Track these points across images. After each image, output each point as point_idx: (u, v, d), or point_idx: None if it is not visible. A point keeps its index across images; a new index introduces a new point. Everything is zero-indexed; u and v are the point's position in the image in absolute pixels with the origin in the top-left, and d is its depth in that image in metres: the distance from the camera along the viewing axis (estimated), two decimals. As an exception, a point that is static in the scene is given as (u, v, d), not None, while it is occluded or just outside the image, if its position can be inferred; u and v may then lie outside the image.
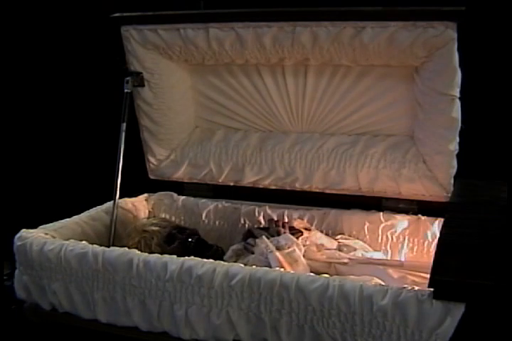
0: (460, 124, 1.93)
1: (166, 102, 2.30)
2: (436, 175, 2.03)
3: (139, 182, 2.48)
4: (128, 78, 2.21)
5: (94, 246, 1.82)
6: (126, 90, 2.21)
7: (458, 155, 1.99)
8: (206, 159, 2.36)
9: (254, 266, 1.68)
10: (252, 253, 1.93)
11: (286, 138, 2.29)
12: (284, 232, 2.01)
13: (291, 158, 2.25)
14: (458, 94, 1.89)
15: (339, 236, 2.17)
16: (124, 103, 2.20)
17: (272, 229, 2.05)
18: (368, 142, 2.18)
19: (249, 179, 2.31)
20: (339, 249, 2.06)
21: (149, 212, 2.46)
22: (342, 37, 1.92)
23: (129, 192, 2.41)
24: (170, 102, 2.31)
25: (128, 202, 2.38)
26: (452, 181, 2.01)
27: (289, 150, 2.26)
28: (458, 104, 1.90)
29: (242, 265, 1.68)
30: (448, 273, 1.42)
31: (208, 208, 2.40)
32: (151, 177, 2.47)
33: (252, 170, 2.30)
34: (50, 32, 2.84)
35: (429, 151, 2.04)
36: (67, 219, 2.11)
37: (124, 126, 2.19)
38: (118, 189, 2.17)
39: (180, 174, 2.42)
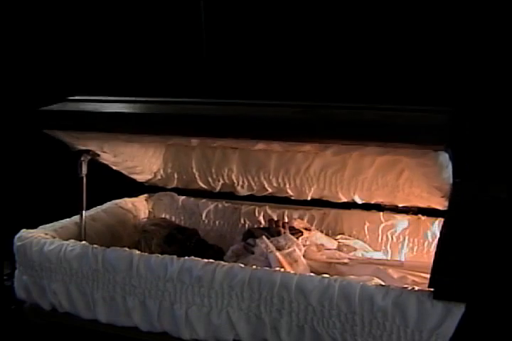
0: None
1: (128, 155, 2.19)
2: (431, 197, 1.98)
3: (139, 182, 2.47)
4: (81, 160, 2.00)
5: (94, 246, 1.82)
6: (80, 175, 2.01)
7: (458, 155, 1.99)
8: (193, 179, 2.34)
9: (254, 266, 1.68)
10: (252, 253, 1.93)
11: (268, 161, 2.20)
12: (284, 232, 2.01)
13: (279, 181, 2.21)
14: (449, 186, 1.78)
15: (339, 236, 2.17)
16: (80, 188, 2.03)
17: (272, 229, 2.05)
18: (356, 164, 2.08)
19: (243, 193, 2.30)
20: (339, 249, 2.06)
21: (149, 212, 2.46)
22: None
23: (129, 192, 2.41)
24: (133, 154, 2.21)
25: (128, 202, 2.38)
26: (449, 197, 1.95)
27: (274, 174, 2.20)
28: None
29: (242, 265, 1.68)
30: (448, 273, 1.41)
31: (208, 208, 2.40)
32: (146, 184, 2.46)
33: (243, 188, 2.28)
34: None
35: (421, 182, 1.96)
36: (67, 219, 2.11)
37: (83, 213, 2.04)
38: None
39: (174, 186, 2.41)
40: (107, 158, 2.12)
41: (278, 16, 2.51)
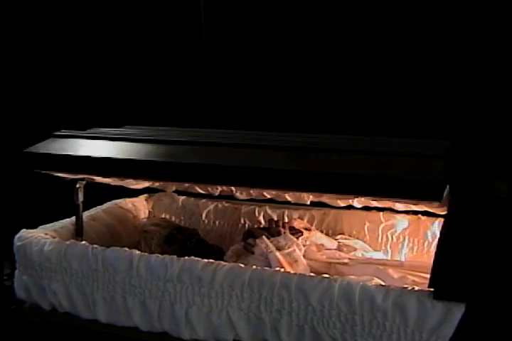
0: None
1: None
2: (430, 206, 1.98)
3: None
4: (76, 187, 2.00)
5: (94, 246, 1.82)
6: (76, 202, 2.01)
7: (457, 155, 1.99)
8: (191, 186, 2.30)
9: (254, 266, 1.68)
10: (252, 253, 1.93)
11: None
12: (284, 232, 2.01)
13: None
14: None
15: (339, 236, 2.17)
16: (76, 215, 2.04)
17: (272, 229, 2.05)
18: None
19: (242, 198, 2.28)
20: (339, 249, 2.06)
21: (149, 212, 2.46)
22: None
23: (129, 192, 2.41)
24: None
25: (128, 202, 2.37)
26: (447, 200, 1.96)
27: None
28: None
29: (242, 265, 1.68)
30: (448, 273, 1.42)
31: (208, 208, 2.40)
32: None
33: (242, 194, 2.26)
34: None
35: None
36: (67, 219, 2.11)
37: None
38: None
39: (173, 190, 2.40)
40: (102, 179, 2.09)
41: (278, 16, 2.51)
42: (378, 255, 2.07)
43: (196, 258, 1.70)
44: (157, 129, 2.04)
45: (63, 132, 1.99)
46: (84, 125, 2.06)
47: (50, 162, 1.86)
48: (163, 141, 1.83)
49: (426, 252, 2.08)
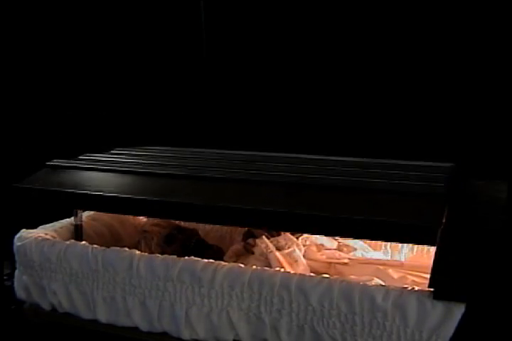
0: None
1: None
2: None
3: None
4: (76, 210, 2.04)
5: (94, 246, 1.82)
6: (76, 222, 2.06)
7: (458, 155, 1.99)
8: None
9: (254, 266, 1.68)
10: (252, 253, 1.93)
11: None
12: (284, 232, 2.01)
13: None
14: None
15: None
16: (76, 235, 2.06)
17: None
18: None
19: None
20: (339, 249, 2.06)
21: (149, 212, 2.46)
22: None
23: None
24: None
25: (128, 202, 2.37)
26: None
27: None
28: None
29: (242, 265, 1.68)
30: (448, 273, 1.42)
31: (208, 208, 2.40)
32: None
33: None
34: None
35: None
36: (67, 219, 2.11)
37: None
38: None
39: None
40: None
41: (278, 16, 2.52)
42: (378, 255, 2.07)
43: (196, 258, 1.70)
44: (150, 155, 2.09)
45: (56, 162, 2.03)
46: (80, 140, 2.07)
47: (44, 197, 1.94)
48: (156, 174, 1.89)
49: (426, 252, 2.08)
